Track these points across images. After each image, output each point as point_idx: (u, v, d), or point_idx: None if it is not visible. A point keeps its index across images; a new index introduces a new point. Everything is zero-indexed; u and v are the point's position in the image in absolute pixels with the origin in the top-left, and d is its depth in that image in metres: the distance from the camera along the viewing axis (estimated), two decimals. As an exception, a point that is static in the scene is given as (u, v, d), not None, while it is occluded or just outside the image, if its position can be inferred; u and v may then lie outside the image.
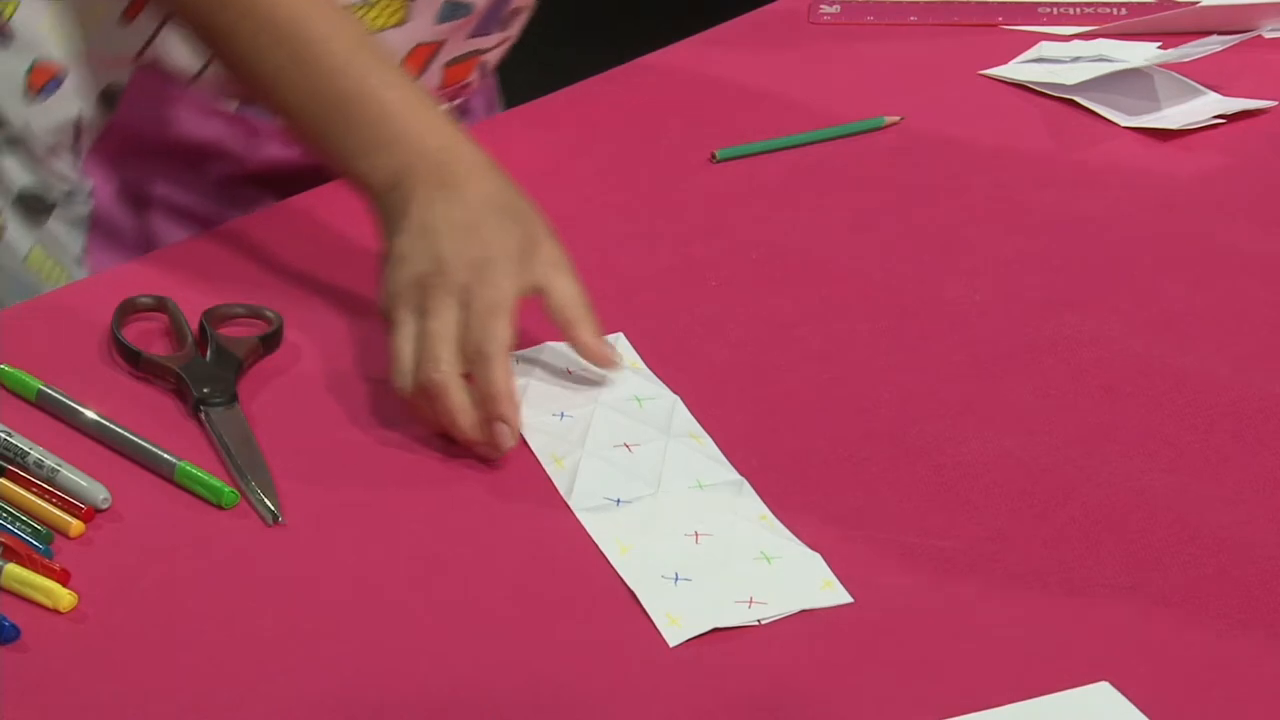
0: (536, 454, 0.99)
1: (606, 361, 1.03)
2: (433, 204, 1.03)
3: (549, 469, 0.98)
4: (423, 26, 1.25)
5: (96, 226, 1.28)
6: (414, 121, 1.07)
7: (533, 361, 1.05)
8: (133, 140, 1.27)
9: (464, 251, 1.01)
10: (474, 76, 1.33)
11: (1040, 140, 1.35)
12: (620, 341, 1.08)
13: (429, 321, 1.00)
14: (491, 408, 0.98)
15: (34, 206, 1.28)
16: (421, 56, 1.27)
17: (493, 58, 1.34)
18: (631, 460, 0.97)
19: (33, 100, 1.25)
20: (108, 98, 1.25)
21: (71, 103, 1.25)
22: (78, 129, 1.26)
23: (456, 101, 1.35)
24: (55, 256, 1.28)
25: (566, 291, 1.03)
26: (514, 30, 1.33)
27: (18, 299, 1.23)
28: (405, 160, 1.05)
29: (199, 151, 1.28)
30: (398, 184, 1.05)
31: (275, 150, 1.29)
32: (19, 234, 1.29)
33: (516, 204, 1.05)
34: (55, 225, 1.28)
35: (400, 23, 1.24)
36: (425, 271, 1.01)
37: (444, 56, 1.28)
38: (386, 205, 1.05)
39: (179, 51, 1.23)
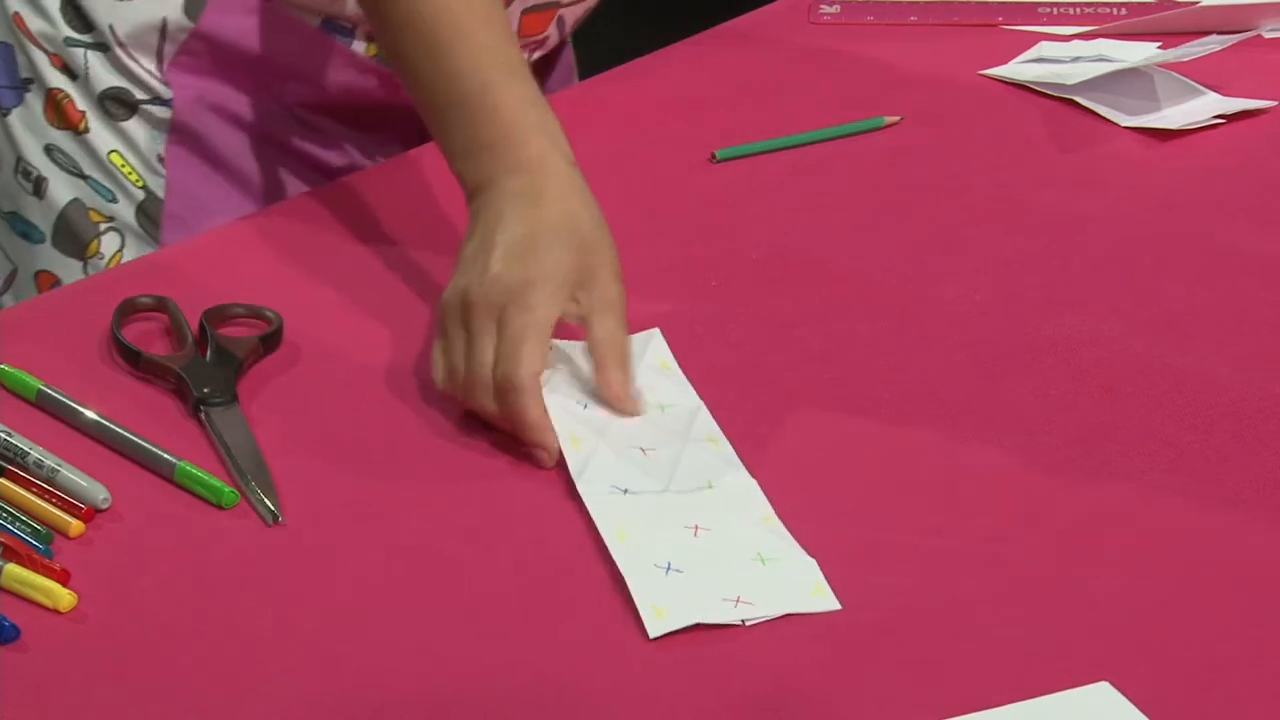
0: (555, 431, 0.99)
1: (626, 408, 1.02)
2: (502, 218, 1.04)
3: (565, 447, 0.98)
4: None
5: (175, 131, 1.30)
6: (518, 130, 1.07)
7: (569, 352, 1.05)
8: (214, 50, 1.29)
9: (510, 271, 1.01)
10: (551, 30, 1.33)
11: (1040, 140, 1.35)
12: (655, 338, 1.08)
13: (468, 346, 1.00)
14: (524, 437, 0.98)
15: (117, 106, 1.30)
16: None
17: (570, 14, 1.34)
18: (645, 460, 0.97)
19: (120, 0, 1.28)
20: (193, 3, 1.27)
21: (157, 6, 1.27)
22: (162, 33, 1.28)
23: (533, 57, 1.35)
24: (135, 158, 1.30)
25: (607, 331, 1.02)
26: None
27: (100, 197, 1.28)
28: (496, 168, 1.06)
29: (277, 69, 1.30)
30: (484, 190, 1.06)
31: (351, 77, 1.30)
32: (101, 134, 1.30)
33: (587, 232, 1.04)
34: (136, 127, 1.30)
35: None
36: (471, 286, 1.02)
37: (520, 4, 1.29)
38: (473, 209, 1.07)
39: None
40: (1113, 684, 0.84)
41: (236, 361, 1.05)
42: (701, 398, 1.04)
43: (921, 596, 0.90)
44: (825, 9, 1.54)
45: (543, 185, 1.05)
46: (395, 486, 0.98)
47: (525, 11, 1.30)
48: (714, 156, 1.31)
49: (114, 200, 1.30)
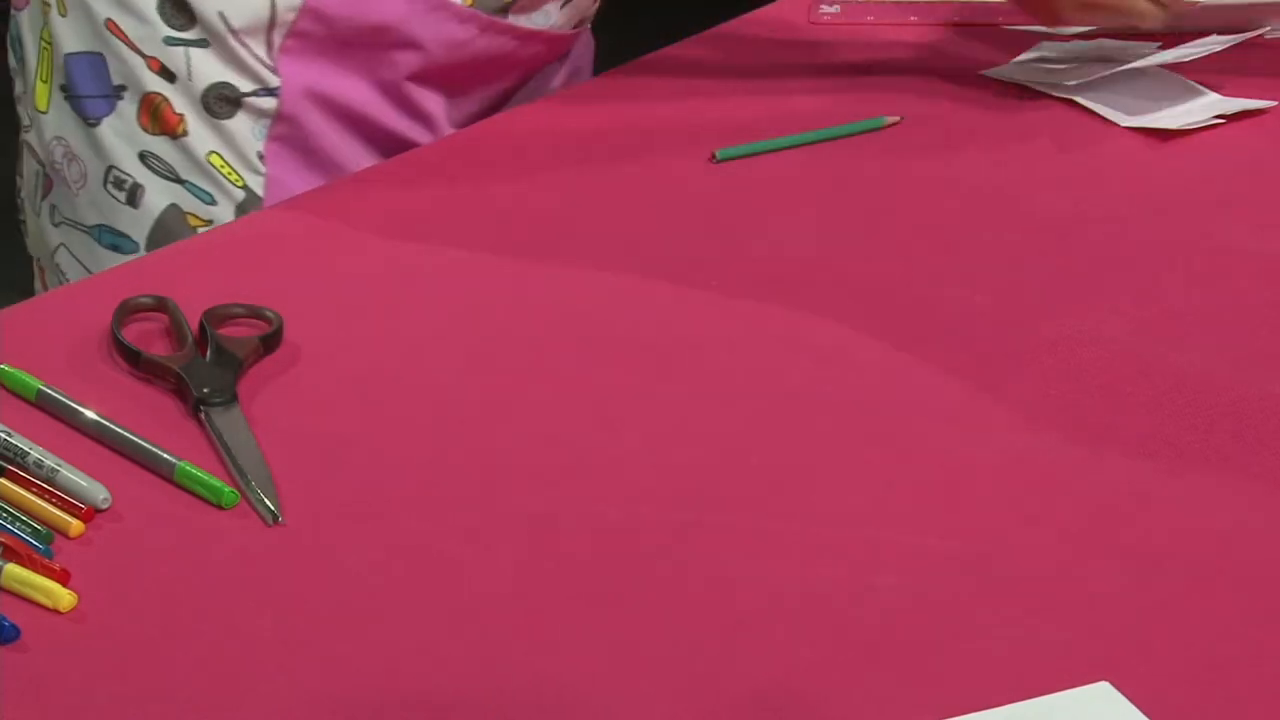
0: None
1: None
2: None
3: None
4: None
5: (279, 124, 1.30)
6: None
7: None
8: (323, 27, 1.29)
9: None
10: None
11: (1040, 140, 1.35)
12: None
13: None
14: None
15: (221, 104, 1.30)
16: None
17: None
18: None
19: None
20: None
21: None
22: (271, 18, 1.28)
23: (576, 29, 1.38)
24: (234, 157, 1.30)
25: None
26: None
27: (199, 201, 1.29)
28: None
29: (383, 39, 1.30)
30: None
31: (453, 30, 1.31)
32: (200, 135, 1.30)
33: None
34: (239, 123, 1.30)
35: None
36: None
37: None
38: None
39: None
40: (1113, 684, 0.84)
41: (236, 361, 1.05)
42: (701, 397, 1.04)
43: (921, 596, 0.90)
44: (825, 9, 1.54)
45: None
46: (395, 486, 0.98)
47: None
48: (714, 156, 1.31)
49: (213, 203, 1.30)
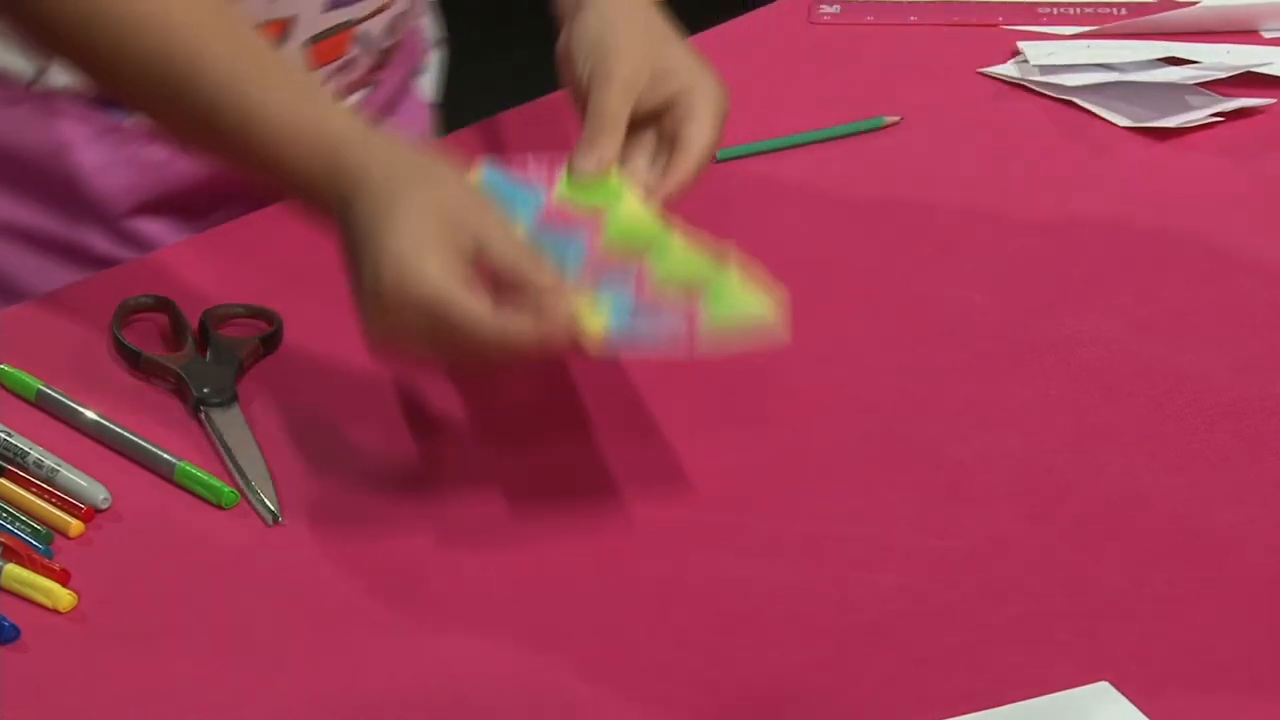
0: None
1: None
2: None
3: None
4: (256, 5, 1.16)
5: None
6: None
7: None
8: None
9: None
10: (354, 51, 1.24)
11: (1040, 140, 1.35)
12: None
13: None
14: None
15: None
16: (269, 38, 1.17)
17: (372, 28, 1.25)
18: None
19: None
20: None
21: None
22: None
23: (353, 89, 1.27)
24: None
25: None
26: None
27: None
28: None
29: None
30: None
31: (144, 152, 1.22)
32: None
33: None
34: None
35: None
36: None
37: (300, 35, 1.20)
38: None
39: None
40: (1113, 684, 0.84)
41: (236, 361, 1.05)
42: (701, 398, 1.04)
43: (921, 596, 0.90)
44: (825, 9, 1.54)
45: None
46: (394, 487, 0.98)
47: (308, 43, 1.21)
48: (714, 156, 1.30)
49: None
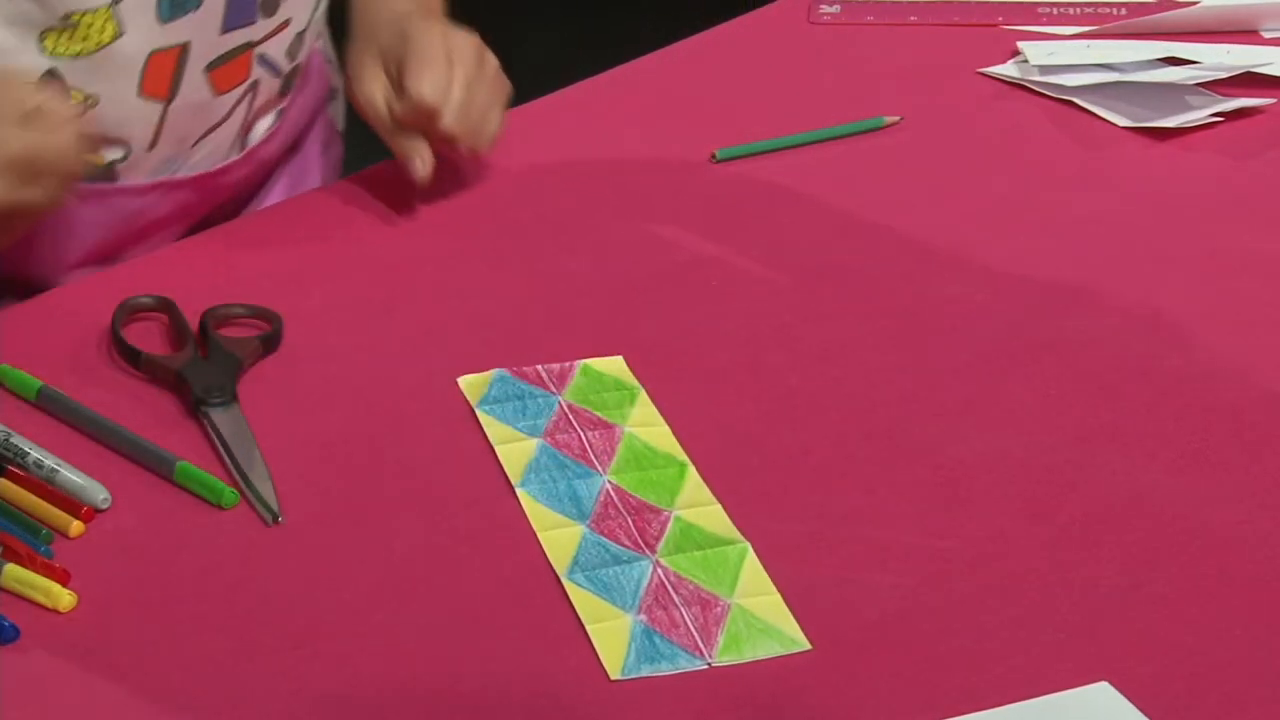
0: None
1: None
2: None
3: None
4: (146, 34, 1.15)
5: None
6: None
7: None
8: None
9: None
10: (257, 73, 1.23)
11: (1040, 140, 1.35)
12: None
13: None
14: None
15: None
16: (166, 66, 1.17)
17: (273, 49, 1.24)
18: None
19: None
20: None
21: None
22: None
23: (261, 114, 1.27)
24: None
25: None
26: (296, 12, 1.23)
27: None
28: None
29: None
30: None
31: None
32: None
33: None
34: None
35: (115, 37, 1.13)
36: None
37: (199, 61, 1.18)
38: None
39: None
40: (1113, 684, 0.84)
41: (236, 361, 1.05)
42: (701, 398, 1.04)
43: (921, 596, 0.90)
44: (825, 9, 1.54)
45: None
46: (395, 486, 0.98)
47: (209, 68, 1.19)
48: (714, 156, 1.31)
49: None
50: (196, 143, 1.23)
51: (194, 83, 1.19)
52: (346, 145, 1.43)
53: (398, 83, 1.21)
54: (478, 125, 1.21)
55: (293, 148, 1.35)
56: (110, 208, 1.21)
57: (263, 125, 1.29)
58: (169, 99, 1.18)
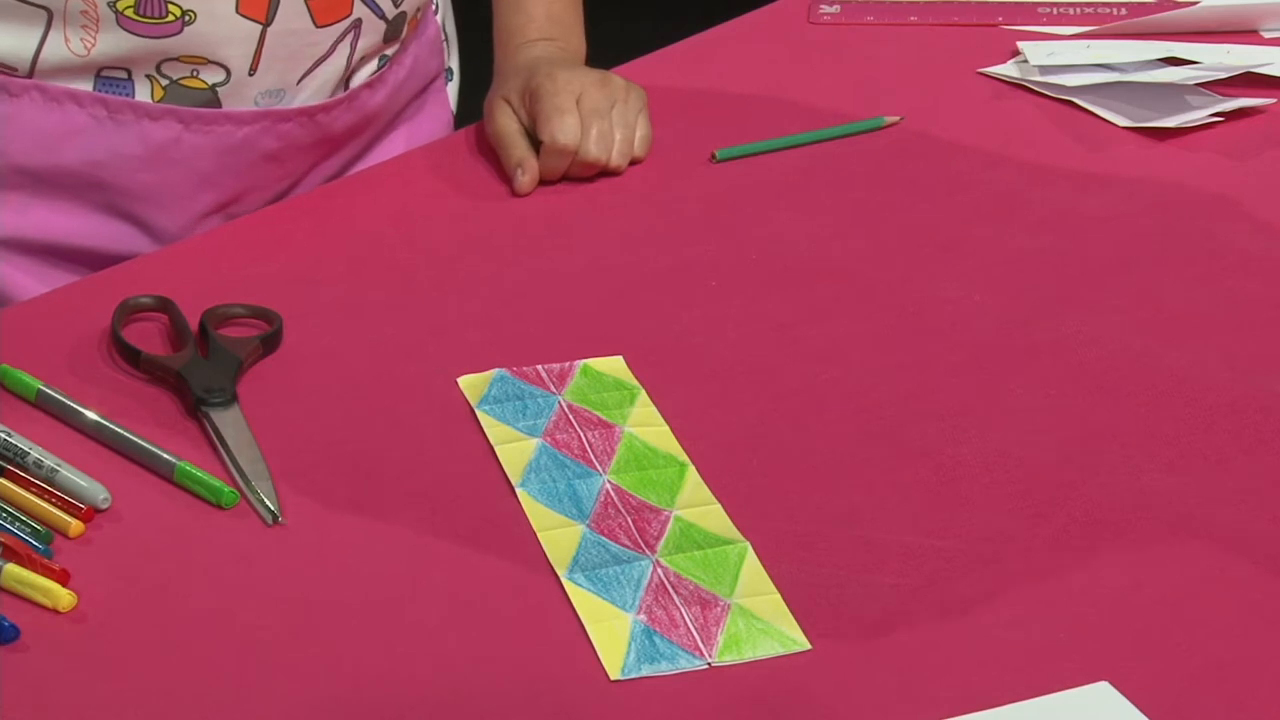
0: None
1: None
2: None
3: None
4: None
5: None
6: None
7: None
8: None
9: None
10: (359, 11, 1.23)
11: (1040, 140, 1.35)
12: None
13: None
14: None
15: None
16: None
17: None
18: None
19: None
20: None
21: None
22: None
23: (368, 58, 1.27)
24: None
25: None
26: None
27: None
28: None
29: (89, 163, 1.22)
30: None
31: (156, 130, 1.22)
32: None
33: None
34: None
35: None
36: None
37: None
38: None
39: None
40: (1113, 684, 0.84)
41: (236, 361, 1.05)
42: (701, 399, 1.04)
43: (920, 596, 0.90)
44: (825, 9, 1.54)
45: None
46: (395, 487, 0.98)
47: None
48: (714, 156, 1.31)
49: None
50: (301, 80, 1.23)
51: (294, 7, 1.20)
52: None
53: (530, 128, 1.28)
54: (621, 145, 1.28)
55: (402, 113, 1.36)
56: (215, 135, 1.21)
57: (366, 70, 1.29)
58: (267, 22, 1.19)
